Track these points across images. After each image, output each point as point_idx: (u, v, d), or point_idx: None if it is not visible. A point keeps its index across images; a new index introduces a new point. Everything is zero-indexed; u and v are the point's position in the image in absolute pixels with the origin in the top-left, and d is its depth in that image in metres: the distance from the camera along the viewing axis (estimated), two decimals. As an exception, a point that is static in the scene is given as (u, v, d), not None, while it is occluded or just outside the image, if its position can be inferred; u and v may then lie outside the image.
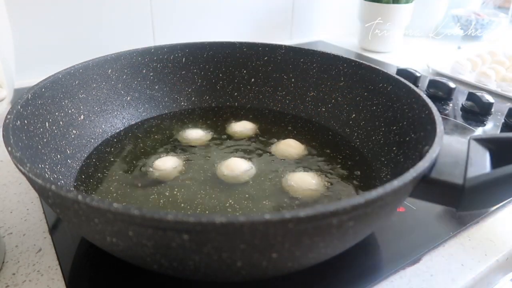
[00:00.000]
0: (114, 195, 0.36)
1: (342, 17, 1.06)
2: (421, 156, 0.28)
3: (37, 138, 0.35)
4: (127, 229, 0.22)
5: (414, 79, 0.68)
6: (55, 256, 0.33)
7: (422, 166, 0.25)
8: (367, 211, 0.23)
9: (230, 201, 0.36)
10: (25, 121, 0.33)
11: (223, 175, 0.39)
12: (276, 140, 0.46)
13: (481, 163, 0.28)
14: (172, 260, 0.24)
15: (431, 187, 0.28)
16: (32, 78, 0.52)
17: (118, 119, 0.47)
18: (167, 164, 0.40)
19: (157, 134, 0.47)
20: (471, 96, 0.62)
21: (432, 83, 0.67)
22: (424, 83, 0.69)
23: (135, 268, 0.29)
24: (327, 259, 0.27)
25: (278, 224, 0.20)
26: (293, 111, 0.52)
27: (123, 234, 0.22)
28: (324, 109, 0.50)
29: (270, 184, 0.38)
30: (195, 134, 0.46)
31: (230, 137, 0.47)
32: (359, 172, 0.40)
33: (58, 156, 0.37)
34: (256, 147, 0.45)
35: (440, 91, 0.66)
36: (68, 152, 0.39)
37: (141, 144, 0.45)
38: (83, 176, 0.39)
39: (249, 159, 0.42)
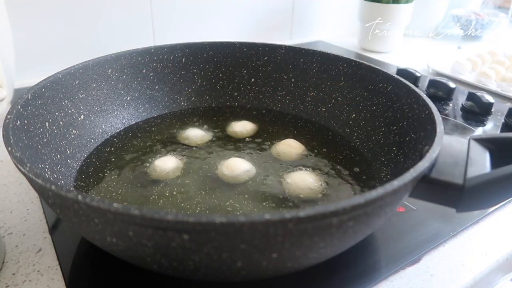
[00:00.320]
0: (114, 195, 0.36)
1: (342, 17, 1.06)
2: (421, 156, 0.28)
3: (37, 138, 0.35)
4: (127, 229, 0.22)
5: (414, 79, 0.68)
6: (55, 256, 0.33)
7: (422, 166, 0.25)
8: (367, 211, 0.23)
9: (230, 201, 0.36)
10: (25, 121, 0.33)
11: (223, 175, 0.39)
12: (276, 140, 0.46)
13: (481, 163, 0.28)
14: (172, 260, 0.24)
15: (431, 187, 0.28)
16: (32, 78, 0.53)
17: (118, 119, 0.47)
18: (167, 164, 0.40)
19: (157, 134, 0.47)
20: (471, 96, 0.62)
21: (432, 83, 0.67)
22: (424, 83, 0.69)
23: (135, 268, 0.29)
24: (327, 259, 0.27)
25: (278, 224, 0.20)
26: (293, 111, 0.52)
27: (123, 234, 0.22)
28: (324, 109, 0.50)
29: (270, 184, 0.38)
30: (195, 134, 0.46)
31: (230, 137, 0.47)
32: (359, 172, 0.40)
33: (58, 156, 0.37)
34: (256, 147, 0.45)
35: (440, 91, 0.66)
36: (68, 152, 0.39)
37: (141, 144, 0.45)
38: (83, 176, 0.39)
39: (249, 159, 0.42)
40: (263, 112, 0.53)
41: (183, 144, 0.45)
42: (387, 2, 0.87)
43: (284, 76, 0.52)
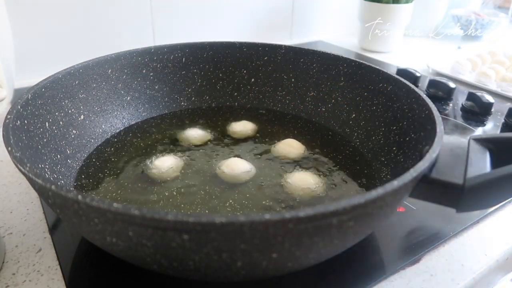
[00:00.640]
0: (114, 195, 0.36)
1: (342, 17, 1.06)
2: (421, 156, 0.28)
3: (37, 138, 0.35)
4: (127, 229, 0.22)
5: (414, 79, 0.68)
6: (55, 256, 0.33)
7: (422, 166, 0.25)
8: (367, 211, 0.23)
9: (230, 201, 0.36)
10: (25, 121, 0.33)
11: (223, 175, 0.39)
12: (276, 140, 0.46)
13: (481, 163, 0.28)
14: (172, 260, 0.24)
15: (431, 187, 0.28)
16: (32, 78, 0.52)
17: (118, 119, 0.47)
18: (167, 164, 0.40)
19: (157, 134, 0.47)
20: (471, 96, 0.62)
21: (432, 83, 0.67)
22: (424, 83, 0.69)
23: (135, 268, 0.29)
24: (327, 259, 0.27)
25: (278, 224, 0.20)
26: (293, 111, 0.52)
27: (123, 234, 0.22)
28: (324, 109, 0.50)
29: (270, 184, 0.38)
30: (195, 134, 0.46)
31: (230, 137, 0.47)
32: (359, 172, 0.40)
33: (58, 156, 0.37)
34: (256, 147, 0.45)
35: (440, 91, 0.66)
36: (68, 152, 0.39)
37: (141, 144, 0.45)
38: (83, 176, 0.39)
39: (249, 159, 0.42)
40: (263, 112, 0.53)
41: (183, 144, 0.45)
42: (387, 2, 0.87)
43: (284, 76, 0.52)
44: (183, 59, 0.52)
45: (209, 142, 0.46)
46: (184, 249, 0.22)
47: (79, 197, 0.21)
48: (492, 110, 0.60)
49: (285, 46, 0.52)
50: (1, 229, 0.36)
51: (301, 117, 0.51)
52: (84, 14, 0.70)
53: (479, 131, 0.56)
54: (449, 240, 0.36)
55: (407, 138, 0.37)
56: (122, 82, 0.47)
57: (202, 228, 0.20)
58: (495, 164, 0.28)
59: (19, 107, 0.33)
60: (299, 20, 0.98)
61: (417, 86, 0.52)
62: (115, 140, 0.45)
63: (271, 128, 0.49)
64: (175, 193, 0.37)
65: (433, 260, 0.34)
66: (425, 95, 0.36)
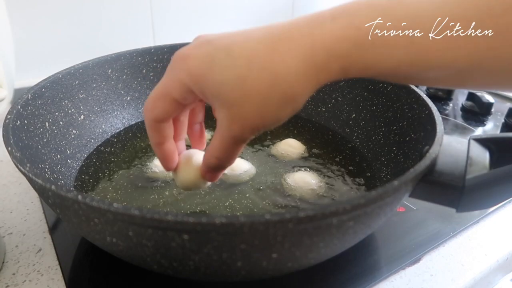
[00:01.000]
0: (114, 195, 0.36)
1: (342, 17, 1.06)
2: (421, 156, 0.28)
3: (37, 138, 0.35)
4: (127, 229, 0.22)
5: (414, 79, 0.68)
6: (55, 256, 0.33)
7: (422, 166, 0.25)
8: (367, 211, 0.23)
9: (230, 201, 0.36)
10: (25, 121, 0.33)
11: (223, 174, 0.39)
12: (276, 140, 0.46)
13: (481, 163, 0.28)
14: (172, 260, 0.24)
15: (431, 187, 0.28)
16: (32, 78, 0.52)
17: (118, 119, 0.47)
18: (167, 164, 0.40)
19: (157, 134, 0.47)
20: (471, 96, 0.62)
21: (432, 83, 0.67)
22: (424, 83, 0.69)
23: (135, 268, 0.29)
24: (327, 259, 0.27)
25: (278, 224, 0.20)
26: (293, 111, 0.52)
27: (123, 234, 0.22)
28: (324, 109, 0.50)
29: (270, 184, 0.38)
30: (195, 134, 0.46)
31: (230, 137, 0.47)
32: (359, 172, 0.40)
33: (58, 156, 0.37)
34: (256, 147, 0.45)
35: (440, 91, 0.66)
36: (68, 152, 0.39)
37: (141, 144, 0.45)
38: (83, 176, 0.39)
39: (249, 159, 0.42)
40: (263, 112, 0.53)
41: (183, 144, 0.45)
42: (387, 2, 0.87)
43: (284, 76, 0.52)
44: (183, 59, 0.51)
45: (209, 142, 0.46)
46: (184, 249, 0.22)
47: (79, 197, 0.21)
48: (492, 110, 0.60)
49: (285, 46, 0.52)
50: (1, 229, 0.36)
51: (301, 117, 0.51)
52: (84, 14, 0.70)
53: (479, 131, 0.56)
54: (449, 240, 0.36)
55: (407, 138, 0.37)
56: (122, 82, 0.47)
57: (202, 228, 0.20)
58: (495, 164, 0.28)
59: (19, 107, 0.33)
60: (299, 20, 0.98)
61: (417, 86, 0.51)
62: (115, 140, 0.45)
63: (271, 128, 0.49)
64: (175, 193, 0.37)
65: (433, 260, 0.34)
66: (425, 95, 0.36)
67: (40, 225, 0.36)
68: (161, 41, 0.79)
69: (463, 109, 0.62)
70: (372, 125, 0.44)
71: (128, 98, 0.48)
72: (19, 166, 0.25)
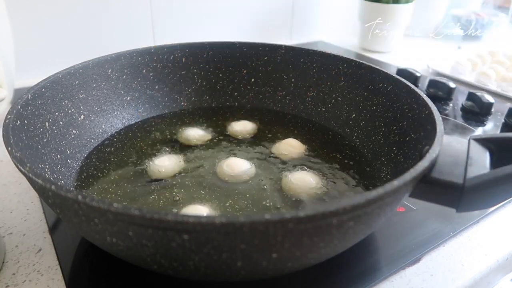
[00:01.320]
0: (114, 195, 0.36)
1: (342, 17, 1.06)
2: (421, 156, 0.28)
3: (37, 138, 0.35)
4: (127, 229, 0.22)
5: (414, 79, 0.68)
6: (55, 256, 0.33)
7: (422, 166, 0.25)
8: (367, 211, 0.23)
9: (230, 201, 0.36)
10: (25, 121, 0.33)
11: (223, 175, 0.39)
12: (276, 140, 0.46)
13: (481, 163, 0.28)
14: (172, 260, 0.24)
15: (431, 187, 0.28)
16: (32, 78, 0.52)
17: (118, 119, 0.47)
18: (167, 164, 0.40)
19: (157, 134, 0.47)
20: (471, 96, 0.62)
21: (432, 83, 0.67)
22: (424, 83, 0.69)
23: (135, 268, 0.29)
24: (327, 259, 0.27)
25: (278, 224, 0.20)
26: (293, 111, 0.52)
27: (123, 234, 0.22)
28: (324, 109, 0.50)
29: (270, 184, 0.38)
30: (195, 134, 0.46)
31: (230, 137, 0.47)
32: (359, 172, 0.40)
33: (58, 156, 0.37)
34: (256, 146, 0.45)
35: (440, 91, 0.66)
36: (68, 152, 0.39)
37: (141, 144, 0.45)
38: (83, 176, 0.39)
39: (249, 158, 0.42)
40: (263, 112, 0.53)
41: (183, 144, 0.45)
42: (387, 2, 0.87)
43: (284, 76, 0.52)
44: (183, 59, 0.51)
45: (209, 142, 0.46)
46: (184, 249, 0.22)
47: (79, 197, 0.21)
48: (492, 110, 0.60)
49: (285, 46, 0.52)
50: (1, 229, 0.36)
51: (301, 117, 0.51)
52: (84, 14, 0.70)
53: (479, 131, 0.56)
54: (449, 240, 0.36)
55: (407, 138, 0.37)
56: (122, 82, 0.47)
57: (202, 228, 0.20)
58: (495, 164, 0.28)
59: (19, 107, 0.33)
60: (299, 20, 0.98)
61: (417, 86, 0.52)
62: (115, 140, 0.45)
63: (271, 128, 0.49)
64: (175, 193, 0.37)
65: (433, 260, 0.34)
66: (425, 95, 0.36)
67: (40, 225, 0.36)
68: (161, 41, 0.79)
69: (463, 109, 0.62)
70: (372, 125, 0.44)
71: (128, 98, 0.48)
72: (19, 166, 0.25)
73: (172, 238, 0.21)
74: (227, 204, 0.35)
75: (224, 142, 0.46)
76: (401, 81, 0.40)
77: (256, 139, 0.46)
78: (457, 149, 0.30)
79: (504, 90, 0.69)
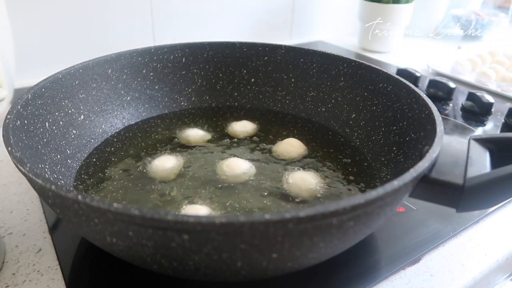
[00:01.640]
0: (114, 195, 0.36)
1: (342, 17, 1.06)
2: (421, 156, 0.28)
3: (37, 138, 0.35)
4: (127, 229, 0.22)
5: (414, 79, 0.68)
6: (55, 256, 0.33)
7: (422, 166, 0.25)
8: (367, 211, 0.23)
9: (230, 201, 0.36)
10: (25, 121, 0.33)
11: (223, 174, 0.39)
12: (276, 140, 0.46)
13: (481, 163, 0.28)
14: (172, 260, 0.24)
15: (431, 187, 0.28)
16: (32, 78, 0.52)
17: (118, 119, 0.47)
18: (167, 164, 0.40)
19: (157, 134, 0.47)
20: (471, 96, 0.62)
21: (432, 83, 0.67)
22: (424, 83, 0.69)
23: (135, 268, 0.29)
24: (327, 259, 0.27)
25: (278, 224, 0.20)
26: (293, 111, 0.52)
27: (123, 234, 0.22)
28: (324, 109, 0.50)
29: (270, 184, 0.38)
30: (195, 134, 0.46)
31: (230, 137, 0.47)
32: (359, 172, 0.40)
33: (58, 156, 0.37)
34: (256, 146, 0.45)
35: (440, 91, 0.66)
36: (68, 152, 0.39)
37: (141, 144, 0.45)
38: (83, 176, 0.39)
39: (249, 159, 0.42)
40: (263, 112, 0.53)
41: (183, 144, 0.45)
42: (387, 2, 0.87)
43: (284, 76, 0.52)
44: (183, 59, 0.51)
45: (209, 142, 0.46)
46: (184, 249, 0.22)
47: (79, 197, 0.21)
48: (492, 110, 0.60)
49: (285, 46, 0.52)
50: (1, 229, 0.36)
51: (301, 117, 0.51)
52: (84, 14, 0.70)
53: (479, 131, 0.56)
54: (449, 240, 0.36)
55: (407, 138, 0.37)
56: (122, 82, 0.47)
57: (202, 228, 0.20)
58: (495, 164, 0.28)
59: (19, 107, 0.33)
60: (299, 20, 0.98)
61: (417, 86, 0.52)
62: (115, 140, 0.45)
63: (271, 128, 0.49)
64: (175, 193, 0.37)
65: (433, 260, 0.34)
66: (425, 95, 0.36)
67: (40, 225, 0.36)
68: (161, 41, 0.79)
69: (463, 109, 0.62)
70: (372, 125, 0.44)
71: (128, 98, 0.48)
72: (19, 166, 0.25)
73: (172, 238, 0.21)
74: (227, 204, 0.35)
75: (224, 142, 0.46)
76: (401, 81, 0.40)
77: (256, 139, 0.46)
78: (457, 149, 0.30)
79: (504, 90, 0.69)
